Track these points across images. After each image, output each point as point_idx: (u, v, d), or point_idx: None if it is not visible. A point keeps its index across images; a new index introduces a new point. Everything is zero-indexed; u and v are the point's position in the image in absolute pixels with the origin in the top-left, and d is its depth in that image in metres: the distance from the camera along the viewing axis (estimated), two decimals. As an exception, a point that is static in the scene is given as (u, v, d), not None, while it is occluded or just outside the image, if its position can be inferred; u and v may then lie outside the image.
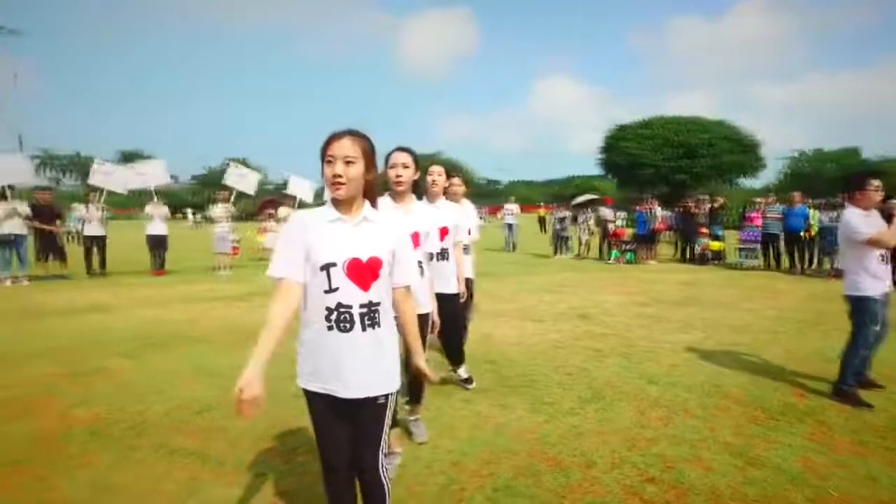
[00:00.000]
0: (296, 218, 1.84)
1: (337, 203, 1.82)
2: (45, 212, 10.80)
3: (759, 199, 14.24)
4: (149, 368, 4.70)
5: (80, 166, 52.90)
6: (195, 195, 54.03)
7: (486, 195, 65.28)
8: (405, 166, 2.85)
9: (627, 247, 14.24)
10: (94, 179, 11.95)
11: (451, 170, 4.17)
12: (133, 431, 3.38)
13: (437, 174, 3.58)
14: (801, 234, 11.69)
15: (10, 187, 10.42)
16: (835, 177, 32.41)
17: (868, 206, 3.88)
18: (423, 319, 2.87)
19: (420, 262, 2.82)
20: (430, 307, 2.99)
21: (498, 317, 6.82)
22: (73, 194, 34.60)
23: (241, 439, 3.23)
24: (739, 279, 10.75)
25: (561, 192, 40.57)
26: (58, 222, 11.10)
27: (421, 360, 2.05)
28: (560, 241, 16.01)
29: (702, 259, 13.47)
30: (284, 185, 16.26)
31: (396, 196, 2.92)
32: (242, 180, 13.30)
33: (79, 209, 14.13)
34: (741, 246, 12.98)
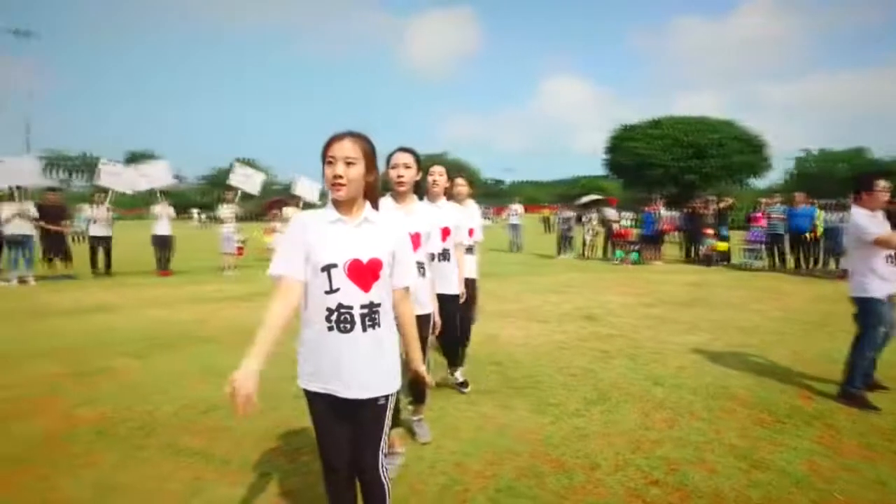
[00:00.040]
0: (296, 218, 1.85)
1: (337, 204, 1.82)
2: (52, 212, 10.88)
3: (762, 200, 14.16)
4: (156, 368, 4.71)
5: (89, 167, 53.23)
6: (204, 195, 54.28)
7: (492, 195, 65.22)
8: (407, 167, 2.85)
9: (632, 247, 14.20)
10: (100, 180, 12.03)
11: (456, 170, 4.16)
12: (142, 431, 3.39)
13: (437, 174, 3.57)
14: (807, 234, 11.60)
15: (19, 188, 10.52)
16: (845, 177, 32.14)
17: (874, 206, 3.83)
18: (424, 320, 2.87)
19: (421, 263, 2.82)
20: (431, 307, 2.99)
21: (503, 317, 6.81)
22: (82, 195, 34.82)
23: (245, 439, 3.24)
24: (748, 280, 10.68)
25: (567, 193, 40.32)
26: (66, 223, 11.18)
27: (419, 364, 2.05)
28: (566, 242, 16.01)
29: (707, 260, 13.39)
30: (291, 185, 16.31)
31: (398, 196, 2.92)
32: (247, 180, 13.33)
33: (86, 210, 14.24)
34: (746, 246, 12.91)
